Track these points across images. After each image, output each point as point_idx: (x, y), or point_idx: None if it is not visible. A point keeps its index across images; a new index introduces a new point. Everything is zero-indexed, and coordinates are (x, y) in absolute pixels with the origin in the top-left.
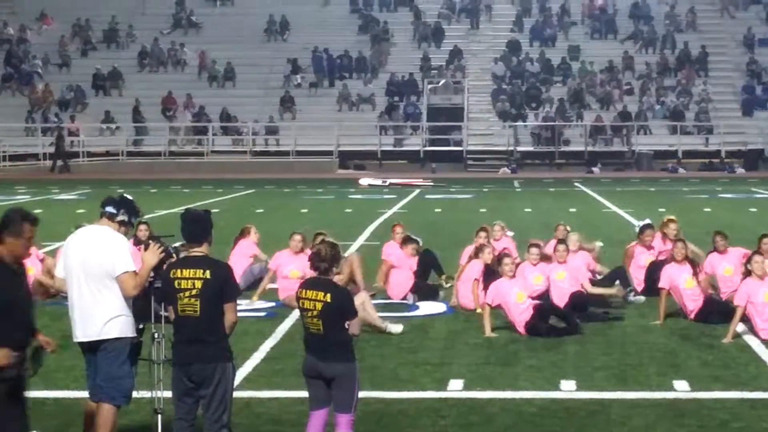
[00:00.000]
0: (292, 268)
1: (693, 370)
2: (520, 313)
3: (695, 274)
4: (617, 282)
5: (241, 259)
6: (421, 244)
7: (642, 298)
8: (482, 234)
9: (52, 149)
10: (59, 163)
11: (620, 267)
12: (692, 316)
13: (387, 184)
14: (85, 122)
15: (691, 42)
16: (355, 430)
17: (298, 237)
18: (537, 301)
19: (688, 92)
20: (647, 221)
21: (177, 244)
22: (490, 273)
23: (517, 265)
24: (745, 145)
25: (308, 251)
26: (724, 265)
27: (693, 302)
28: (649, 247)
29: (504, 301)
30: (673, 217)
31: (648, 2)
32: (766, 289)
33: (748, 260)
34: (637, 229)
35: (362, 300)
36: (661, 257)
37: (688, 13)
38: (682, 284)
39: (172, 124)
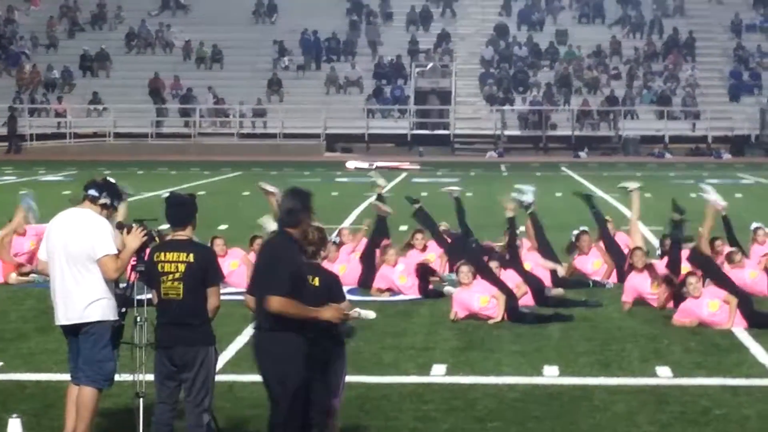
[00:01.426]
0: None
1: (676, 356)
2: (490, 311)
3: (654, 279)
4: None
5: None
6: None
7: (610, 284)
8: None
9: (39, 131)
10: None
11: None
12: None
13: (374, 167)
14: (73, 103)
15: (678, 27)
16: (339, 414)
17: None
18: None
19: (675, 77)
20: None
21: (160, 227)
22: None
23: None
24: (732, 130)
25: None
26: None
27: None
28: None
29: (469, 309)
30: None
31: None
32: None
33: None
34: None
35: None
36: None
37: None
38: (649, 291)
39: (159, 105)
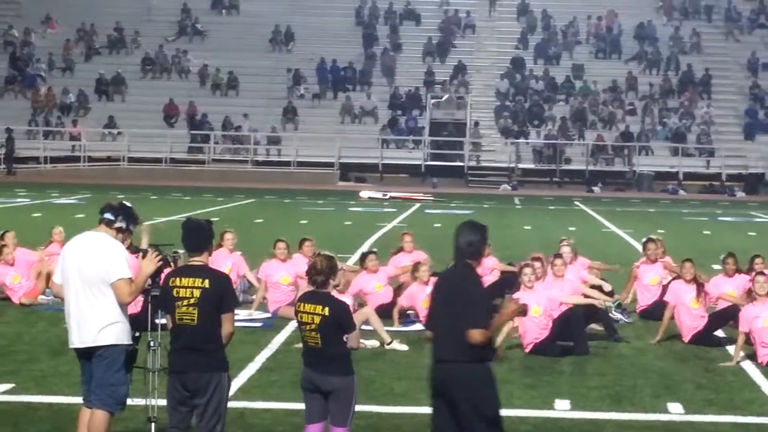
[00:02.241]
0: (282, 274)
1: (687, 393)
2: (532, 329)
3: (700, 295)
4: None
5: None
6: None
7: (625, 319)
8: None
9: (53, 153)
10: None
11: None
12: (688, 339)
13: (387, 197)
14: (88, 127)
15: (695, 64)
16: None
17: (282, 245)
18: (550, 322)
19: (690, 114)
20: (650, 236)
21: (174, 252)
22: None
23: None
24: (746, 168)
25: (296, 257)
26: (729, 289)
27: (694, 322)
28: (654, 261)
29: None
30: (655, 236)
31: (653, 23)
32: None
33: (753, 281)
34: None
35: (367, 312)
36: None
37: (693, 36)
38: (687, 302)
39: (174, 131)
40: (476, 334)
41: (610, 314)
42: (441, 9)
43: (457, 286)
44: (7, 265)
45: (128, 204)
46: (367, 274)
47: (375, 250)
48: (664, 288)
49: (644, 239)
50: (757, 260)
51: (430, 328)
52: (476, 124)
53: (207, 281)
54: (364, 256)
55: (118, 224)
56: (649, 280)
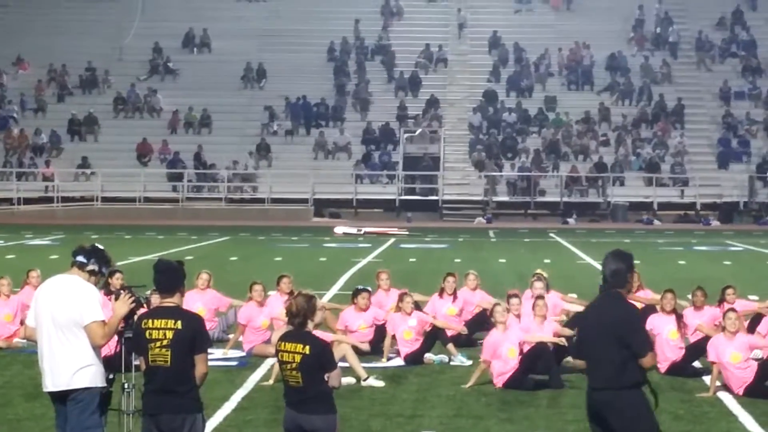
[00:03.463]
0: (262, 319)
1: (665, 424)
2: (502, 367)
3: (680, 327)
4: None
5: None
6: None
7: None
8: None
9: (26, 194)
10: None
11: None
12: (664, 369)
13: (362, 232)
14: (61, 167)
15: (667, 94)
16: None
17: (258, 287)
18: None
19: (664, 144)
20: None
21: (148, 293)
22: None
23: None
24: (721, 197)
25: (273, 295)
26: (697, 322)
27: (673, 354)
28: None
29: (495, 356)
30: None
31: (624, 54)
32: (733, 348)
33: (724, 316)
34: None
35: (344, 349)
36: None
37: (664, 66)
38: (665, 334)
39: (147, 169)
40: (650, 359)
41: None
42: (413, 44)
43: (610, 315)
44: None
45: (100, 246)
46: (355, 312)
47: (369, 288)
48: None
49: None
50: (729, 291)
51: (581, 358)
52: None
53: (180, 322)
54: (356, 293)
55: (90, 267)
56: None
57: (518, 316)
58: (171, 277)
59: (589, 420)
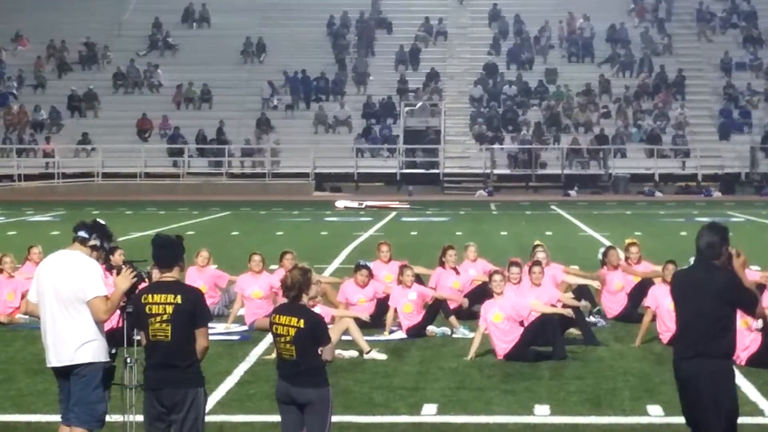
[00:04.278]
0: (254, 289)
1: (667, 394)
2: (499, 335)
3: None
4: (582, 300)
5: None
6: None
7: (603, 322)
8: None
9: (27, 171)
10: None
11: (584, 285)
12: (667, 340)
13: (363, 206)
14: (61, 143)
15: (668, 65)
16: None
17: (257, 258)
18: (520, 327)
19: (665, 116)
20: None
21: (149, 268)
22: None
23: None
24: (722, 168)
25: (278, 271)
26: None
27: (674, 325)
28: (615, 267)
29: (485, 320)
30: (634, 240)
31: (625, 26)
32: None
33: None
34: (600, 255)
35: (346, 322)
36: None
37: (665, 37)
38: (667, 306)
39: (148, 145)
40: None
41: (588, 318)
42: (412, 17)
43: (714, 283)
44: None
45: (102, 221)
46: (355, 286)
47: (369, 266)
48: (632, 292)
49: (603, 249)
50: (669, 265)
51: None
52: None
53: (179, 297)
54: (357, 268)
55: (92, 242)
56: (615, 286)
57: (518, 283)
58: (169, 251)
59: (679, 391)
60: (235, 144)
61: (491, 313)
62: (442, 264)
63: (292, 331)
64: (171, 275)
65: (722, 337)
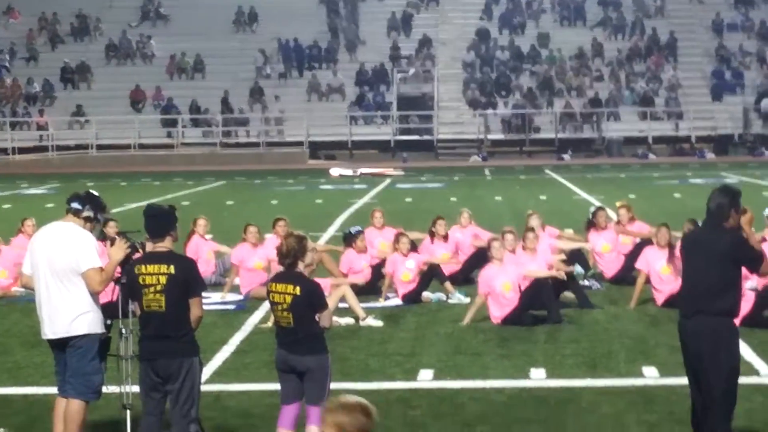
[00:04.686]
0: (255, 260)
1: (662, 356)
2: (503, 305)
3: (672, 260)
4: (576, 264)
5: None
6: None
7: (597, 285)
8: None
9: (21, 144)
10: None
11: (577, 250)
12: (661, 302)
13: (358, 174)
14: (55, 116)
15: (659, 28)
16: None
17: (253, 229)
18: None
19: (657, 78)
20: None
21: (144, 239)
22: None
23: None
24: (715, 130)
25: (269, 238)
26: (663, 263)
27: (669, 286)
28: (604, 229)
29: (490, 290)
30: (624, 202)
31: None
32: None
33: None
34: (590, 215)
35: (343, 290)
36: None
37: None
38: (658, 269)
39: (141, 116)
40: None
41: (581, 282)
42: None
43: (721, 242)
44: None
45: (95, 193)
46: (357, 254)
47: (361, 228)
48: (629, 254)
49: (593, 209)
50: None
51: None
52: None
53: (172, 267)
54: (351, 236)
55: (85, 213)
56: (601, 248)
57: (512, 251)
58: (161, 221)
59: (681, 348)
60: (228, 114)
61: (500, 282)
62: (432, 234)
63: (289, 299)
64: (164, 245)
65: (726, 295)
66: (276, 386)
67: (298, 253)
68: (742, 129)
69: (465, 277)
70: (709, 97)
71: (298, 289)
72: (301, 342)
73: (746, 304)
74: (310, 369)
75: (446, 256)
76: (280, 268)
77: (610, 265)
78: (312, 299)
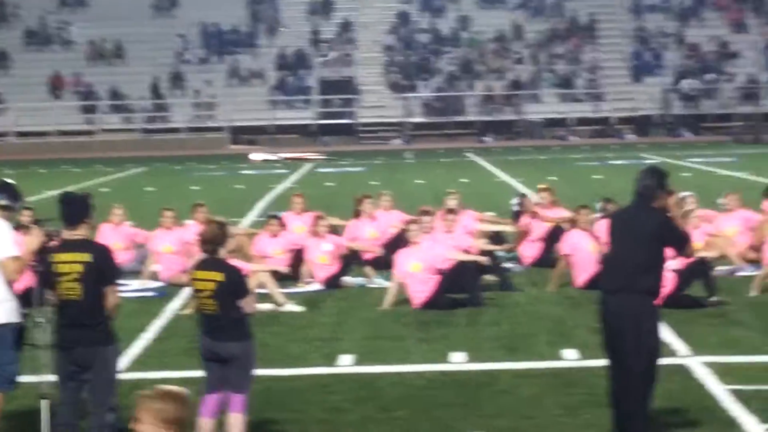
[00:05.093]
0: (165, 244)
1: (582, 338)
2: (417, 285)
3: (596, 239)
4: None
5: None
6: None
7: (518, 267)
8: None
9: None
10: None
11: (499, 232)
12: (583, 282)
13: (281, 158)
14: None
15: (579, 9)
16: (247, 408)
17: (169, 213)
18: (437, 276)
19: (577, 60)
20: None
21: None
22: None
23: None
24: (635, 111)
25: (190, 224)
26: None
27: (594, 267)
28: (535, 215)
29: (402, 271)
30: (546, 185)
31: None
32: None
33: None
34: (516, 205)
35: (262, 277)
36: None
37: None
38: (587, 248)
39: (61, 102)
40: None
41: (502, 264)
42: None
43: (647, 223)
44: None
45: (11, 181)
46: (269, 237)
47: (277, 214)
48: (547, 237)
49: (515, 199)
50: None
51: (602, 263)
52: None
53: (88, 255)
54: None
55: (2, 202)
56: (538, 235)
57: (429, 231)
58: (76, 208)
59: (601, 327)
60: (149, 99)
61: (409, 263)
62: (357, 214)
63: (212, 286)
64: (79, 233)
65: (649, 274)
66: (196, 373)
67: (220, 240)
68: (663, 110)
69: (386, 261)
70: (629, 78)
71: (221, 275)
72: (225, 329)
73: (669, 284)
74: (236, 356)
75: (374, 233)
76: (197, 251)
77: (534, 249)
78: (235, 286)
